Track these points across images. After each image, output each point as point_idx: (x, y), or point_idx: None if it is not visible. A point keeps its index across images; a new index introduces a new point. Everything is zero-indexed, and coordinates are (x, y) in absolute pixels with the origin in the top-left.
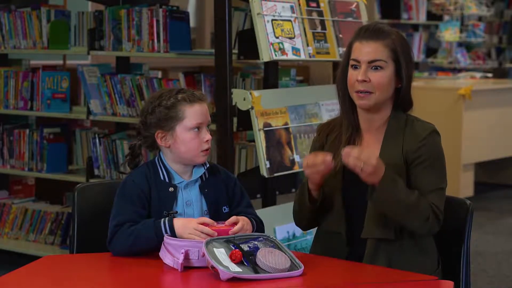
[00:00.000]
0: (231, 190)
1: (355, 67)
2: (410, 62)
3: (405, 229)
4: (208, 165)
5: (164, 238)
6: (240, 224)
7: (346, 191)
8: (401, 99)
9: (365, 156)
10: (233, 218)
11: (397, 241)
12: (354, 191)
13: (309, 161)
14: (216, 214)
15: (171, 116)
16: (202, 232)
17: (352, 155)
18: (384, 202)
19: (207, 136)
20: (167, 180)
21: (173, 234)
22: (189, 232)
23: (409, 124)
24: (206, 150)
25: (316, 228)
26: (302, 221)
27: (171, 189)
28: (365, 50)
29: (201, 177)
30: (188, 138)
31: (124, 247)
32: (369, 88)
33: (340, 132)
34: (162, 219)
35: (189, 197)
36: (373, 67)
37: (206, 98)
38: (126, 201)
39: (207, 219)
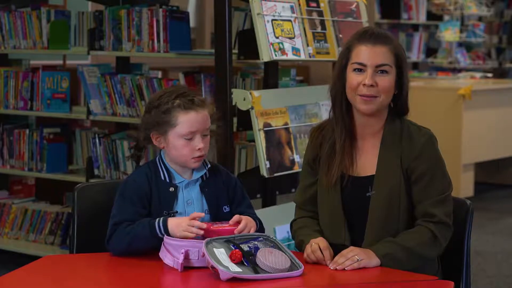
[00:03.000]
0: (232, 190)
1: (359, 71)
2: (407, 68)
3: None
4: (209, 165)
5: (164, 238)
6: (244, 222)
7: (345, 202)
8: (399, 105)
9: (348, 252)
10: (236, 217)
11: None
12: (353, 202)
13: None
14: (216, 213)
15: (164, 121)
16: (193, 227)
17: (341, 261)
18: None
19: (199, 144)
20: (167, 180)
21: (167, 233)
22: (183, 229)
23: (405, 130)
24: (198, 157)
25: None
26: None
27: (171, 189)
28: (373, 54)
29: (202, 176)
30: (179, 145)
31: (121, 246)
32: (375, 93)
33: (334, 140)
34: (157, 219)
35: (190, 196)
36: (380, 71)
37: (206, 105)
38: (126, 201)
39: (196, 213)
